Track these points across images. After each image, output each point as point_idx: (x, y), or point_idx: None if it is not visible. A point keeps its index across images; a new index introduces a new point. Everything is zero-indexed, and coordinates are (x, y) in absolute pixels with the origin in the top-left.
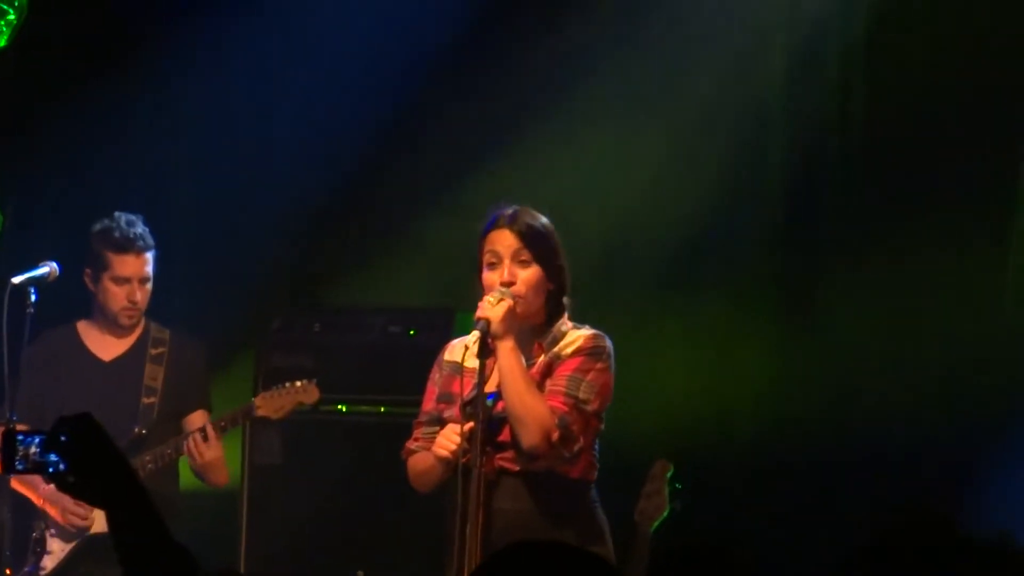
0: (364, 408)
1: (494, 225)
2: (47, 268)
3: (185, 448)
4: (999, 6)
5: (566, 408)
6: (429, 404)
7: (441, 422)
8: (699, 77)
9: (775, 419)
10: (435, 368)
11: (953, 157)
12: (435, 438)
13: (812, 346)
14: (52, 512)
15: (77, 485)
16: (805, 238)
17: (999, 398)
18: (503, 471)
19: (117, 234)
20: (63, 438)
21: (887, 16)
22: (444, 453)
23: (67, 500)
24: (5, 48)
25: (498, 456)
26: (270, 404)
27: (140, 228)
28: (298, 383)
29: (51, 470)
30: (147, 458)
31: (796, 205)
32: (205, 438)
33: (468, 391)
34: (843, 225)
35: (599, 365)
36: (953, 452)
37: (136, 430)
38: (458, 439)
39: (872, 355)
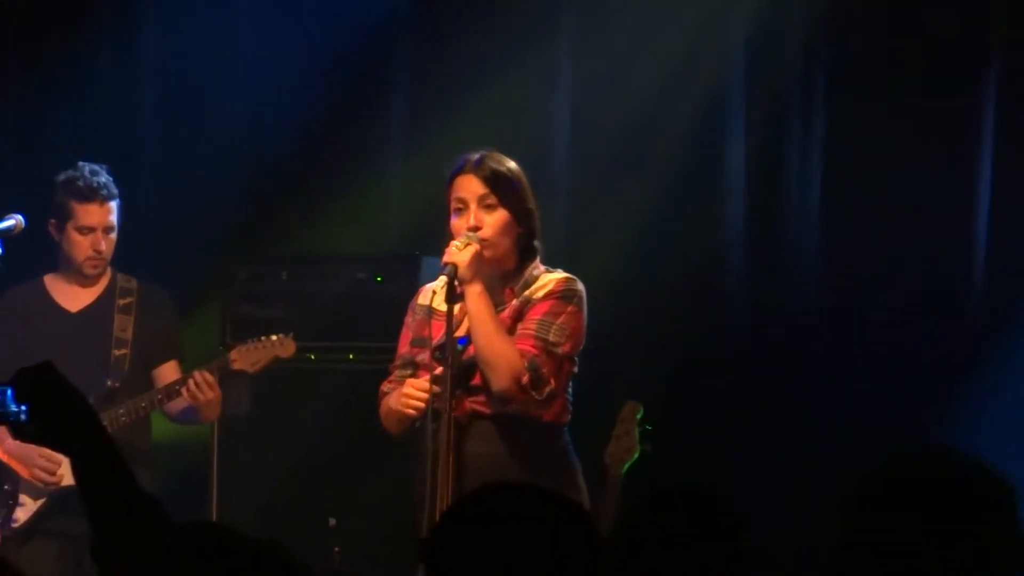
0: (333, 356)
1: (460, 171)
2: (13, 221)
3: (184, 392)
4: None
5: (536, 351)
6: (403, 348)
7: (414, 366)
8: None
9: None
10: (409, 312)
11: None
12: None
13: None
14: (18, 468)
15: (38, 433)
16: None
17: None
18: (475, 414)
19: (81, 183)
20: (23, 387)
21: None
22: (410, 412)
23: (34, 455)
24: None
25: (470, 399)
26: (246, 358)
27: (104, 177)
28: (274, 337)
29: (11, 419)
30: (120, 411)
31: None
32: (197, 383)
33: (440, 335)
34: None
35: (570, 308)
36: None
37: (109, 383)
38: (424, 395)
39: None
